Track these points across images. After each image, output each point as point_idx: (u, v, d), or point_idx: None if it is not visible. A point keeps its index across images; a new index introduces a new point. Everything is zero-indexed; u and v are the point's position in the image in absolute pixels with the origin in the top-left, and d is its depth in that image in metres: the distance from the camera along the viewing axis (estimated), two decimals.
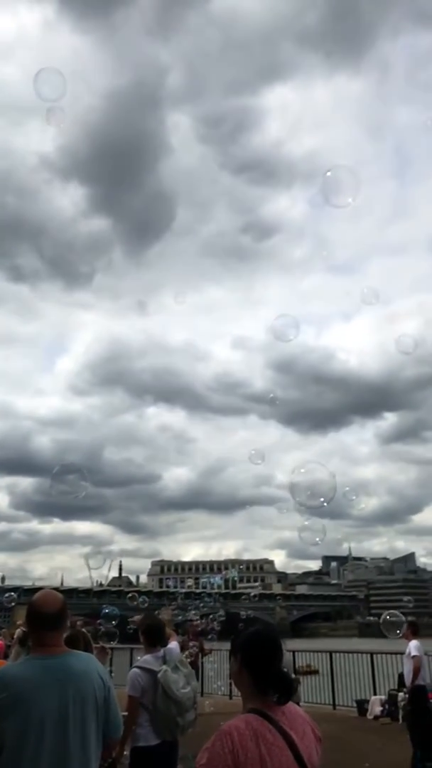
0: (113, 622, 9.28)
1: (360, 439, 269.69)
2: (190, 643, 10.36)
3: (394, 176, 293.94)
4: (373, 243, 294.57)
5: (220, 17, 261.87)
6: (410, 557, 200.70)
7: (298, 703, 2.87)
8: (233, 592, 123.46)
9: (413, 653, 9.28)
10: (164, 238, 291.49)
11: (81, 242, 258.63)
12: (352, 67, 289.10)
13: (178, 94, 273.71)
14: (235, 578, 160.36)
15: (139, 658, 5.42)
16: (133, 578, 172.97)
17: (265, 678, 2.44)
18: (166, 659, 5.03)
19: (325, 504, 6.41)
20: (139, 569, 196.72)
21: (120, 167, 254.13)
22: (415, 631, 9.75)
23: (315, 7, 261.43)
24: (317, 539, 7.50)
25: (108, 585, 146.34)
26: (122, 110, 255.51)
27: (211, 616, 13.24)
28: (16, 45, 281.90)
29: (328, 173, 7.93)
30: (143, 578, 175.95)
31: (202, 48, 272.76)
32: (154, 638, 5.23)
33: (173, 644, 5.52)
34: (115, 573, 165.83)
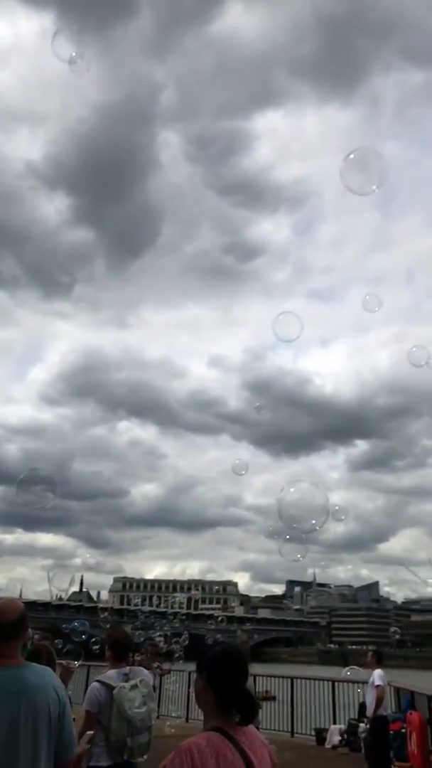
0: (82, 637, 8.82)
1: (331, 464, 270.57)
2: (154, 665, 10.05)
3: (377, 208, 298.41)
4: (353, 272, 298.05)
5: (216, 41, 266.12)
6: (374, 586, 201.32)
7: (257, 728, 2.85)
8: (195, 612, 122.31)
9: (377, 682, 9.15)
10: (148, 253, 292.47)
11: (63, 252, 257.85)
12: (343, 98, 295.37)
13: (170, 113, 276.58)
14: (198, 598, 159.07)
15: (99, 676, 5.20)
16: (93, 594, 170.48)
17: (229, 697, 2.43)
18: (129, 677, 4.82)
19: (317, 528, 6.02)
20: (101, 585, 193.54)
21: (107, 180, 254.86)
22: (379, 660, 9.64)
23: (310, 38, 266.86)
24: (299, 556, 7.30)
25: (68, 599, 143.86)
26: (113, 124, 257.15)
27: (174, 640, 12.94)
28: (12, 52, 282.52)
29: (351, 156, 6.86)
30: (104, 594, 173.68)
31: (197, 70, 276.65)
32: (121, 653, 5.02)
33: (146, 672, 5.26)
34: (75, 587, 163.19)
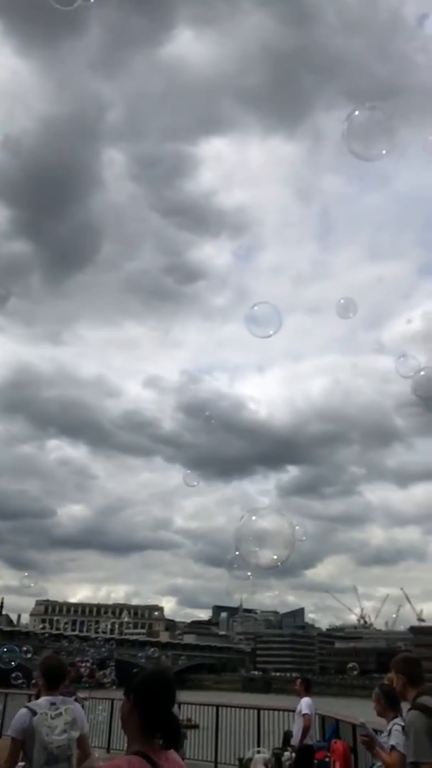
0: (12, 665, 8.35)
1: (261, 489, 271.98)
2: (80, 694, 9.70)
3: (316, 239, 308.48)
4: (290, 300, 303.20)
5: (165, 64, 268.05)
6: (299, 612, 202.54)
7: (183, 758, 2.85)
8: (119, 637, 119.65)
9: (304, 711, 9.14)
10: (87, 270, 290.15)
11: None
12: (287, 131, 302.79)
13: (116, 131, 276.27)
14: (125, 623, 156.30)
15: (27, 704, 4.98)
16: (14, 617, 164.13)
17: (154, 720, 2.45)
18: (57, 705, 4.64)
19: (279, 564, 5.55)
20: (22, 608, 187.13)
21: (49, 193, 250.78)
22: (307, 688, 9.66)
23: (257, 70, 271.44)
24: (248, 573, 7.20)
25: None
26: (58, 138, 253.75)
27: (102, 672, 12.62)
28: None
29: (356, 113, 5.87)
30: (25, 618, 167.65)
31: (145, 91, 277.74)
32: (55, 681, 4.84)
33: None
34: None
